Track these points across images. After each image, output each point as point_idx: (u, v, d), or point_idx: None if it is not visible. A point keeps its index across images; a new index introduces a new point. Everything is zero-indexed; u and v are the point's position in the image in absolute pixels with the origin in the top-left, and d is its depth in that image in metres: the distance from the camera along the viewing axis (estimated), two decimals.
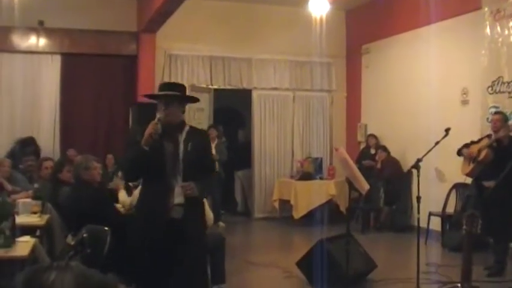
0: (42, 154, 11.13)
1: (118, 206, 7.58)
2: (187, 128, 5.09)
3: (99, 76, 12.90)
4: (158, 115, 4.94)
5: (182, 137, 5.01)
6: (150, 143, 4.81)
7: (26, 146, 11.27)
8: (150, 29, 12.53)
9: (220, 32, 13.04)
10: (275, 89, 13.88)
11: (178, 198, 4.92)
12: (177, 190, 4.92)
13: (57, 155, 11.68)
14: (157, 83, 12.83)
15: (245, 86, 13.42)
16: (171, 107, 4.98)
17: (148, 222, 4.97)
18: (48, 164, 8.52)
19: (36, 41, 12.54)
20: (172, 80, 12.77)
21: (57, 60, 12.76)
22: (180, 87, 5.29)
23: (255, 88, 13.67)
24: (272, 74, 13.82)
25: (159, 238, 4.90)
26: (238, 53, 13.32)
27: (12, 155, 11.02)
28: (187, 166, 4.93)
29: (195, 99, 5.89)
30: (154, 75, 12.89)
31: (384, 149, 12.30)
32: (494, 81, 9.80)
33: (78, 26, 12.58)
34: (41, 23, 12.34)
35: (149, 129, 4.81)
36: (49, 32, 12.55)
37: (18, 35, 12.40)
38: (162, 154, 4.91)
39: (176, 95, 5.08)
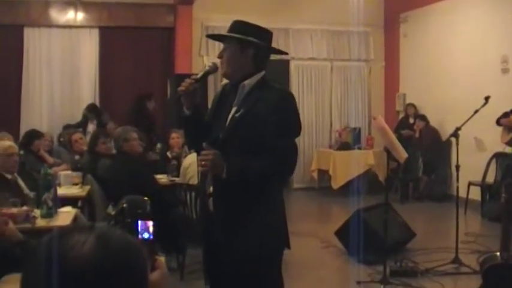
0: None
1: (158, 177, 7.68)
2: (250, 85, 3.53)
3: (136, 49, 12.94)
4: (209, 63, 3.71)
5: (240, 96, 3.54)
6: (189, 105, 3.56)
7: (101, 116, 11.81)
8: (186, 1, 12.54)
9: (257, 2, 12.96)
10: (313, 59, 13.84)
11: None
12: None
13: None
14: (194, 55, 12.88)
15: (282, 56, 13.32)
16: (228, 53, 3.55)
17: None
18: (77, 136, 8.61)
19: (74, 16, 12.62)
20: (210, 51, 12.79)
21: (95, 34, 12.85)
22: (246, 28, 3.56)
23: (293, 58, 13.64)
24: (309, 44, 13.78)
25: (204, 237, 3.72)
26: (275, 24, 13.17)
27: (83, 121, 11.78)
28: (227, 140, 3.47)
29: (276, 50, 3.87)
30: (192, 47, 12.92)
31: (423, 118, 12.19)
32: None
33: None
34: None
35: (182, 85, 3.53)
36: (86, 6, 12.62)
37: (56, 9, 12.50)
38: (214, 122, 3.63)
39: (233, 36, 3.54)
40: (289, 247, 3.63)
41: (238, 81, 3.54)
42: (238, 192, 3.39)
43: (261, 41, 3.53)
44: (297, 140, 3.55)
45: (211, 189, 3.55)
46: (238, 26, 3.56)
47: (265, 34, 3.60)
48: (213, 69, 3.65)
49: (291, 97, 3.58)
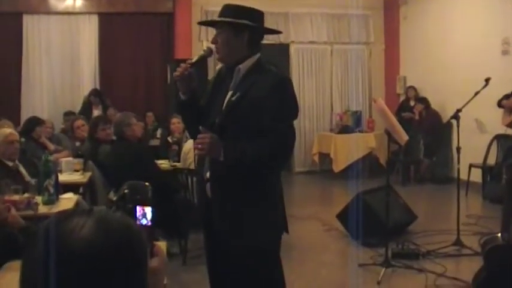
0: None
1: (159, 162, 7.70)
2: (246, 68, 3.50)
3: (136, 34, 12.91)
4: (205, 47, 3.68)
5: (236, 80, 3.52)
6: (185, 90, 3.54)
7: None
8: None
9: None
10: (313, 42, 13.80)
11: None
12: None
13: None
14: (194, 40, 12.84)
15: (282, 40, 13.30)
16: (222, 38, 3.51)
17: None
18: (79, 123, 8.62)
19: (73, 2, 12.58)
20: (210, 36, 12.75)
21: (94, 20, 12.80)
22: (237, 10, 3.51)
23: (293, 42, 13.62)
24: (309, 27, 13.73)
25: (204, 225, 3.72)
26: (275, 7, 13.18)
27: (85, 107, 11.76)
28: (223, 124, 3.44)
29: (269, 30, 3.86)
30: (191, 32, 12.88)
31: (423, 100, 12.17)
32: None
33: None
34: None
35: (177, 70, 3.51)
36: None
37: None
38: (209, 106, 3.61)
39: (225, 21, 3.50)
40: (287, 231, 3.64)
41: (233, 64, 3.52)
42: (235, 177, 3.37)
43: (254, 23, 3.50)
44: (297, 124, 3.55)
45: (208, 174, 3.50)
46: (230, 10, 3.52)
47: (257, 15, 3.55)
48: (208, 53, 3.62)
49: (287, 80, 3.60)
